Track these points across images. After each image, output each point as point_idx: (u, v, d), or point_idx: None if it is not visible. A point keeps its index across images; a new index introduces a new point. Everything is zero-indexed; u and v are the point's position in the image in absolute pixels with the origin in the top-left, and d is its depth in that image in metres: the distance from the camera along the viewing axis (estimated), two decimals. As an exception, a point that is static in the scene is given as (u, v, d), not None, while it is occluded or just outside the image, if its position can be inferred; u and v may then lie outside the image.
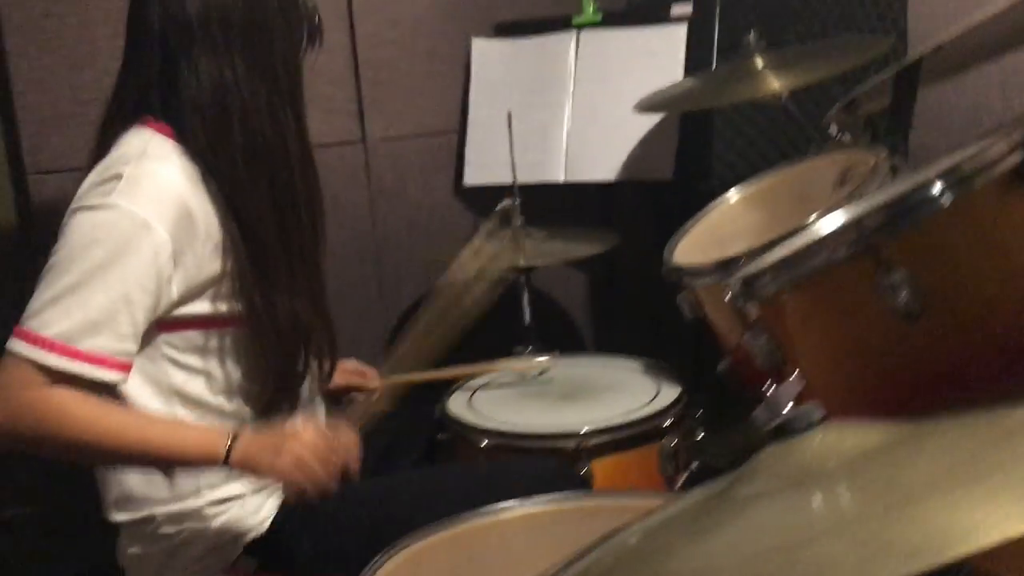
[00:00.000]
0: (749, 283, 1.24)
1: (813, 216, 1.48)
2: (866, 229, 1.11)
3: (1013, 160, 1.11)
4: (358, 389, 1.85)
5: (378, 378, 1.86)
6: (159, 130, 1.43)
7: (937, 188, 1.11)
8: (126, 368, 1.34)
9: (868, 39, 2.07)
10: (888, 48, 1.96)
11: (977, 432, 0.73)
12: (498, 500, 1.34)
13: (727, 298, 1.30)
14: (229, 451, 1.32)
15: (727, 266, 1.61)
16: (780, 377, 1.30)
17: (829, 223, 1.35)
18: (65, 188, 2.22)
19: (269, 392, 1.47)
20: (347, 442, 1.40)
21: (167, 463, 1.38)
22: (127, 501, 1.47)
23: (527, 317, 2.30)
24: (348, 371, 1.86)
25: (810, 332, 1.20)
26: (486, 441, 1.74)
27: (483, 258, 1.85)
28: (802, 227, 1.42)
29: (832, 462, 0.78)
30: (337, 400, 1.85)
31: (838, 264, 1.14)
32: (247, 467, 1.33)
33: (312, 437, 1.35)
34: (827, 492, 0.74)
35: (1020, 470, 0.59)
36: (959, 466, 0.67)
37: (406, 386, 1.87)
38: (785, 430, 0.82)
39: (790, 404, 0.82)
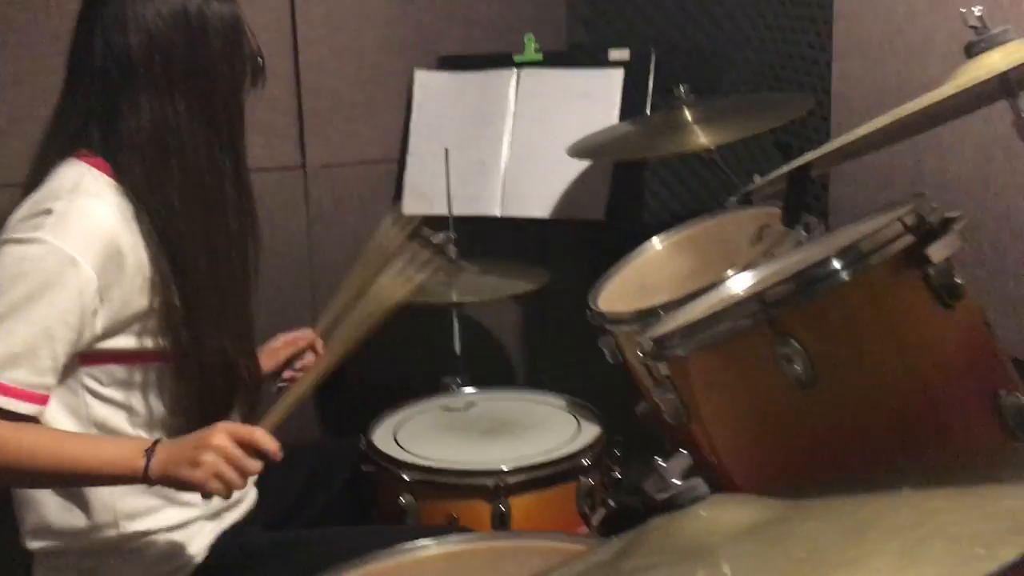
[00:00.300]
0: (659, 343, 1.30)
1: (727, 275, 1.55)
2: (767, 300, 1.18)
3: (906, 241, 1.19)
4: (297, 358, 1.84)
5: (311, 334, 1.86)
6: (94, 164, 1.44)
7: (835, 264, 1.18)
8: (43, 401, 1.36)
9: (793, 98, 2.15)
10: (811, 107, 2.04)
11: (841, 518, 0.80)
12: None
13: (639, 355, 1.36)
14: (148, 464, 1.33)
15: (646, 316, 1.68)
16: (685, 432, 1.37)
17: (736, 289, 1.42)
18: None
19: (193, 427, 1.49)
20: (256, 436, 1.37)
21: (86, 478, 1.38)
22: (44, 530, 1.48)
23: (457, 348, 2.34)
24: (277, 349, 1.84)
25: (713, 393, 1.27)
26: (409, 476, 1.78)
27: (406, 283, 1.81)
28: (712, 288, 1.49)
29: (714, 537, 0.84)
30: (281, 379, 1.83)
31: (741, 332, 1.20)
32: (166, 478, 1.34)
33: (223, 441, 1.34)
34: (709, 568, 0.80)
35: (865, 568, 0.65)
36: (820, 552, 0.74)
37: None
38: (672, 503, 0.88)
39: (677, 478, 0.88)
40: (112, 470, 1.34)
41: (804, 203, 1.20)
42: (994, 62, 1.04)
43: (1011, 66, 1.01)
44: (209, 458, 1.32)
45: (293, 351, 1.84)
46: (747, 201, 1.22)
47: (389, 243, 1.78)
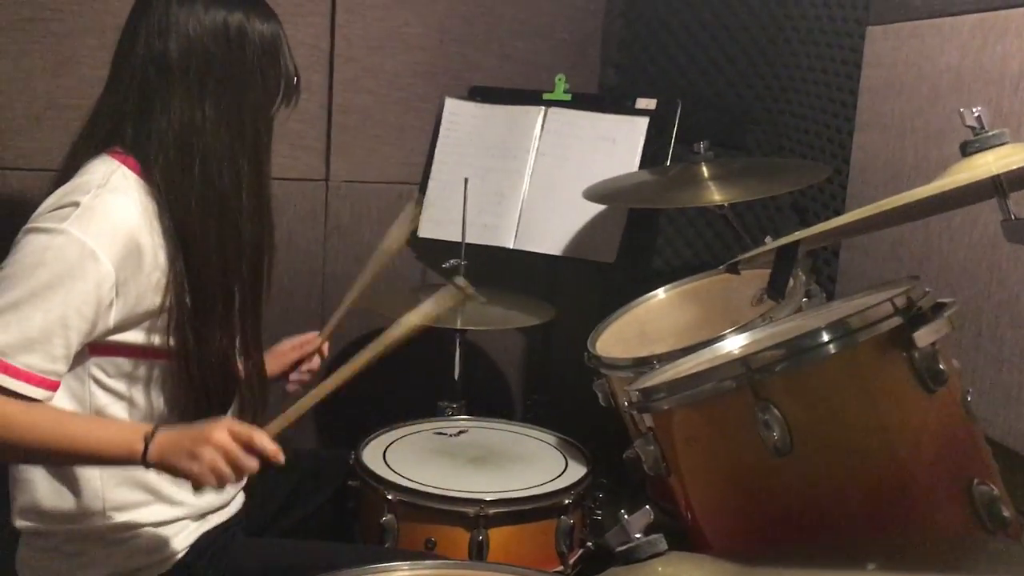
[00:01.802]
0: (645, 394, 1.33)
1: (723, 334, 1.58)
2: (752, 365, 1.21)
3: (894, 322, 1.22)
4: (303, 362, 1.90)
5: (317, 338, 1.92)
6: (124, 162, 1.49)
7: (824, 337, 1.21)
8: (53, 387, 1.40)
9: (809, 165, 2.18)
10: (827, 176, 2.08)
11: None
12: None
13: (626, 404, 1.39)
14: (147, 449, 1.36)
15: (640, 364, 1.71)
16: (664, 484, 1.40)
17: (729, 348, 1.45)
18: (27, 185, 2.29)
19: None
20: (257, 438, 1.39)
21: (85, 457, 1.41)
22: (32, 511, 1.51)
23: (456, 374, 2.37)
24: (284, 352, 1.90)
25: (692, 450, 1.30)
26: (392, 495, 1.81)
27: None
28: (706, 345, 1.52)
29: (666, 594, 0.86)
30: (288, 381, 1.90)
31: (724, 393, 1.23)
32: (163, 465, 1.37)
33: (223, 438, 1.37)
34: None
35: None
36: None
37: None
38: (631, 555, 0.91)
39: (639, 532, 0.90)
40: (111, 451, 1.37)
41: (787, 278, 1.22)
42: (987, 163, 1.08)
43: (1003, 170, 1.04)
44: (208, 453, 1.35)
45: (300, 354, 1.91)
46: (734, 271, 1.25)
47: (405, 231, 1.86)
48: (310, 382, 1.91)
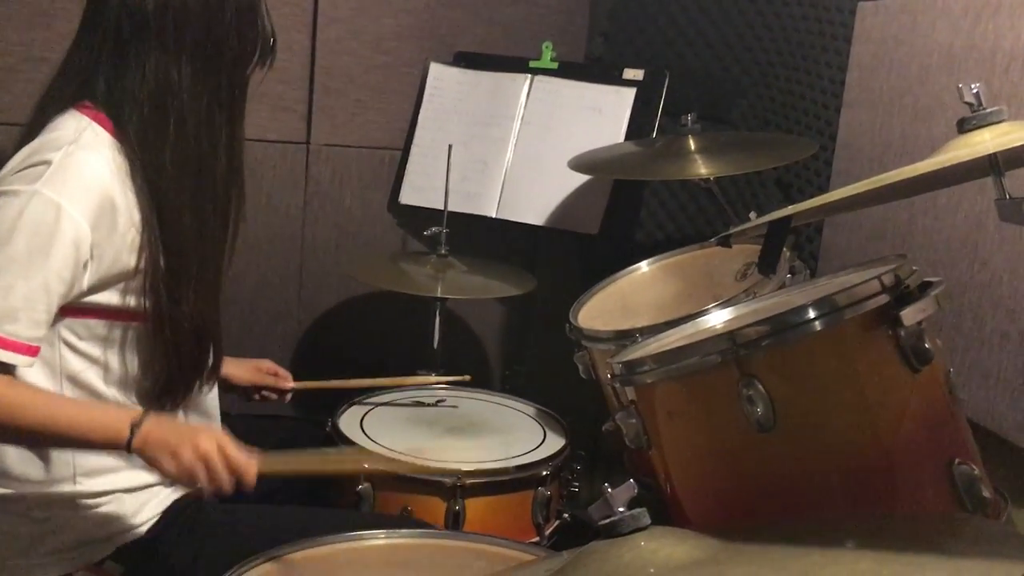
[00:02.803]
0: (630, 367, 1.32)
1: (707, 308, 1.57)
2: (738, 340, 1.20)
3: (881, 300, 1.21)
4: (271, 389, 1.90)
5: (291, 380, 1.92)
6: (95, 118, 1.45)
7: (810, 313, 1.20)
8: (34, 352, 1.37)
9: (796, 141, 2.17)
10: (814, 151, 2.06)
11: (773, 567, 0.81)
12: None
13: (609, 376, 1.37)
14: (132, 436, 1.34)
15: (623, 337, 1.70)
16: (644, 457, 1.39)
17: (713, 323, 1.44)
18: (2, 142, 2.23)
19: (159, 388, 1.50)
20: (243, 464, 1.39)
21: (71, 440, 1.39)
22: (1, 475, 1.48)
23: (435, 342, 2.35)
24: (262, 370, 1.90)
25: (674, 424, 1.29)
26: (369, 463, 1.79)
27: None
28: (689, 319, 1.51)
29: (648, 570, 0.85)
30: (248, 396, 1.90)
31: (708, 367, 1.22)
32: (145, 455, 1.35)
33: (209, 448, 1.36)
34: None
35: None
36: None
37: (316, 392, 1.94)
38: (614, 528, 0.90)
39: (622, 506, 0.89)
40: (98, 435, 1.36)
41: (778, 254, 1.21)
42: (984, 141, 1.06)
43: (1000, 148, 1.02)
44: (189, 457, 1.34)
45: (272, 384, 1.91)
46: (725, 244, 1.24)
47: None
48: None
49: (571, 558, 0.89)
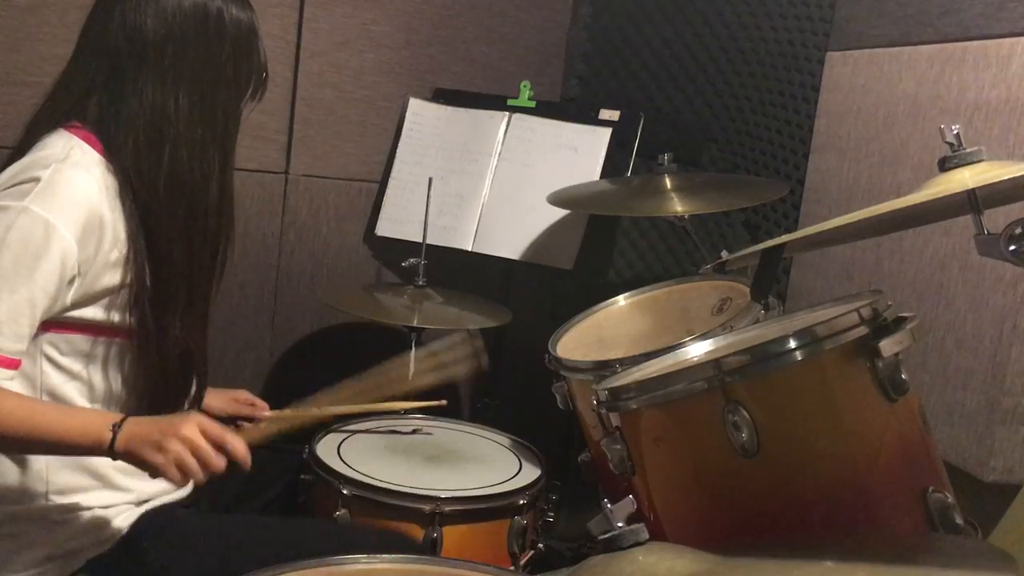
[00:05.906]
0: (615, 394, 1.35)
1: (686, 340, 1.61)
2: (723, 368, 1.24)
3: (859, 332, 1.25)
4: (247, 419, 1.91)
5: (267, 410, 1.93)
6: (85, 139, 1.47)
7: (791, 343, 1.25)
8: (15, 366, 1.38)
9: (768, 183, 2.24)
10: (784, 193, 2.13)
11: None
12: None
13: (593, 403, 1.40)
14: (114, 439, 1.34)
15: (602, 368, 1.73)
16: (628, 483, 1.42)
17: (692, 354, 1.48)
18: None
19: (143, 409, 1.50)
20: (228, 438, 1.39)
21: (52, 445, 1.38)
22: (-25, 492, 1.48)
23: (410, 372, 2.36)
24: (239, 401, 1.92)
25: (659, 449, 1.32)
26: (347, 489, 1.80)
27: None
28: (673, 348, 1.55)
29: (647, 582, 0.88)
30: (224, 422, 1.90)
31: (694, 394, 1.26)
32: (129, 456, 1.35)
33: (192, 433, 1.36)
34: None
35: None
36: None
37: (293, 421, 1.94)
38: (612, 543, 0.92)
39: (621, 522, 0.92)
40: (79, 440, 1.36)
41: (772, 279, 1.26)
42: (964, 179, 1.12)
43: (979, 184, 1.08)
44: (175, 446, 1.34)
45: (248, 413, 1.92)
46: (721, 271, 1.28)
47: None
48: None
49: (571, 573, 0.91)
